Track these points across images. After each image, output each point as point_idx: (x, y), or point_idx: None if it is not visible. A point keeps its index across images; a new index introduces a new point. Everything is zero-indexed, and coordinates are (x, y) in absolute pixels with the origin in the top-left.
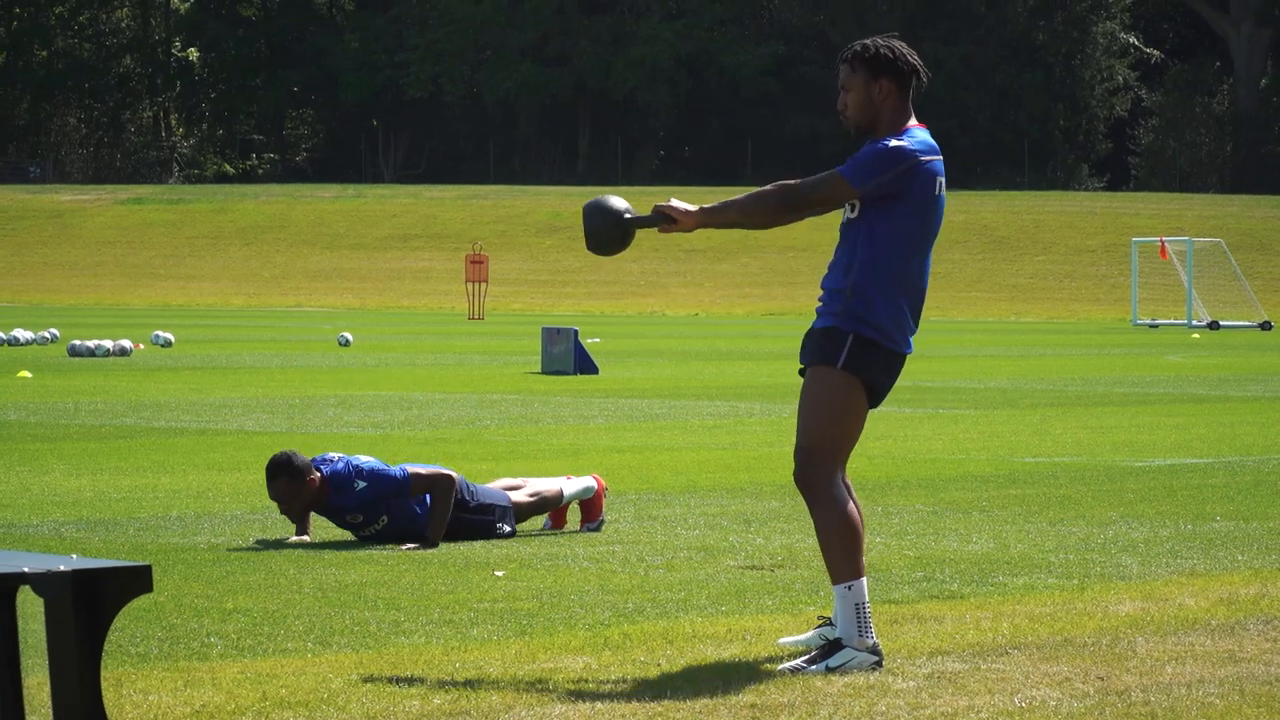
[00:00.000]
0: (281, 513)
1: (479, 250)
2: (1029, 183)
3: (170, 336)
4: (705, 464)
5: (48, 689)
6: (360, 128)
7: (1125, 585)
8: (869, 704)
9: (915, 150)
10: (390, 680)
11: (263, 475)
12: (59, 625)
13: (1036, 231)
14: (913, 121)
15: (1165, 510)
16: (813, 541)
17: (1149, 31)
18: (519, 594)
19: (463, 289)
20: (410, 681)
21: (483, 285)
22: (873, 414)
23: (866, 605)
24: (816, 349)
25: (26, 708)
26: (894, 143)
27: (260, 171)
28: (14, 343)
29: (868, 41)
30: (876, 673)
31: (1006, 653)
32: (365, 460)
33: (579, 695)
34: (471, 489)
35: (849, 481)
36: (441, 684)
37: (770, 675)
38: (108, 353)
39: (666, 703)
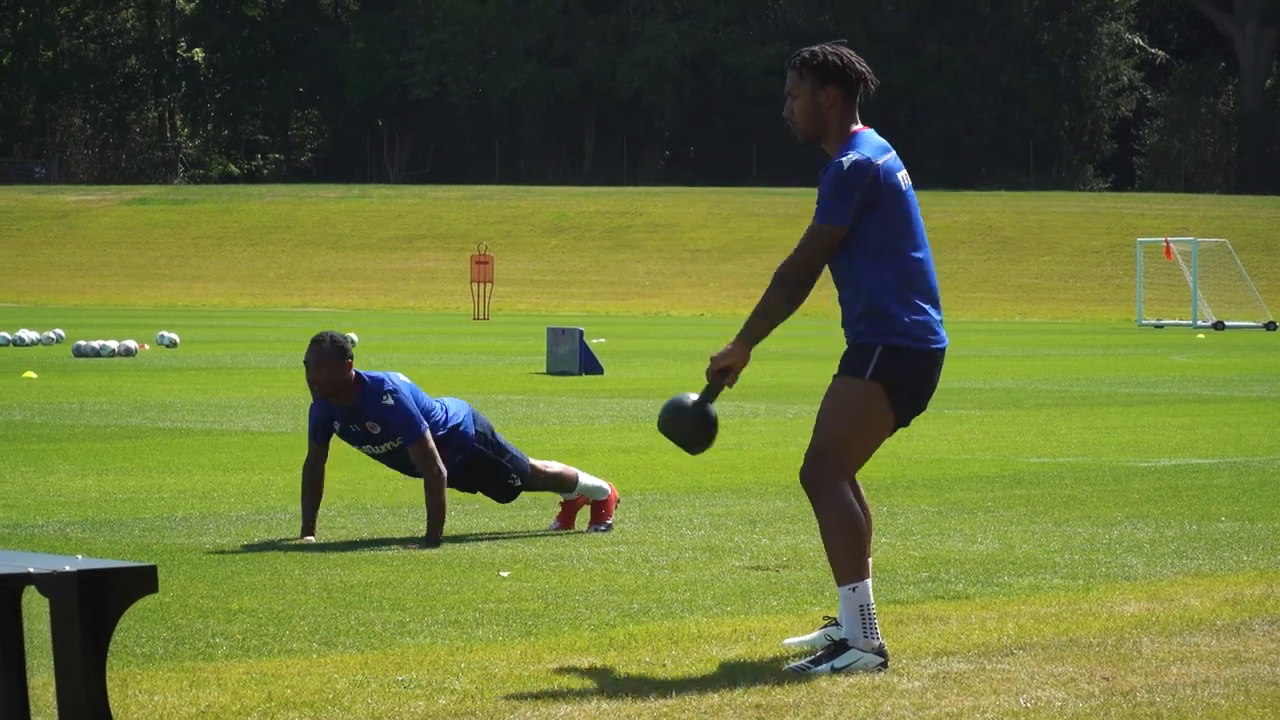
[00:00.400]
0: (310, 383)
1: (484, 250)
2: (1034, 183)
3: (175, 337)
4: (710, 464)
5: (53, 689)
6: (365, 128)
7: (1130, 586)
8: (874, 704)
9: (870, 159)
10: (395, 681)
11: (268, 474)
12: (64, 625)
13: (1041, 232)
14: (858, 126)
15: (1170, 511)
16: (818, 542)
17: (1154, 32)
18: (524, 594)
19: (468, 289)
20: (415, 682)
21: (488, 285)
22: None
23: (871, 606)
24: (847, 363)
25: (32, 708)
26: (848, 160)
27: (265, 172)
28: (19, 343)
29: (815, 48)
30: (882, 673)
31: (1012, 653)
32: (401, 381)
33: (584, 696)
34: (497, 436)
35: (858, 483)
36: (447, 684)
37: (776, 676)
38: (113, 353)
39: (672, 703)
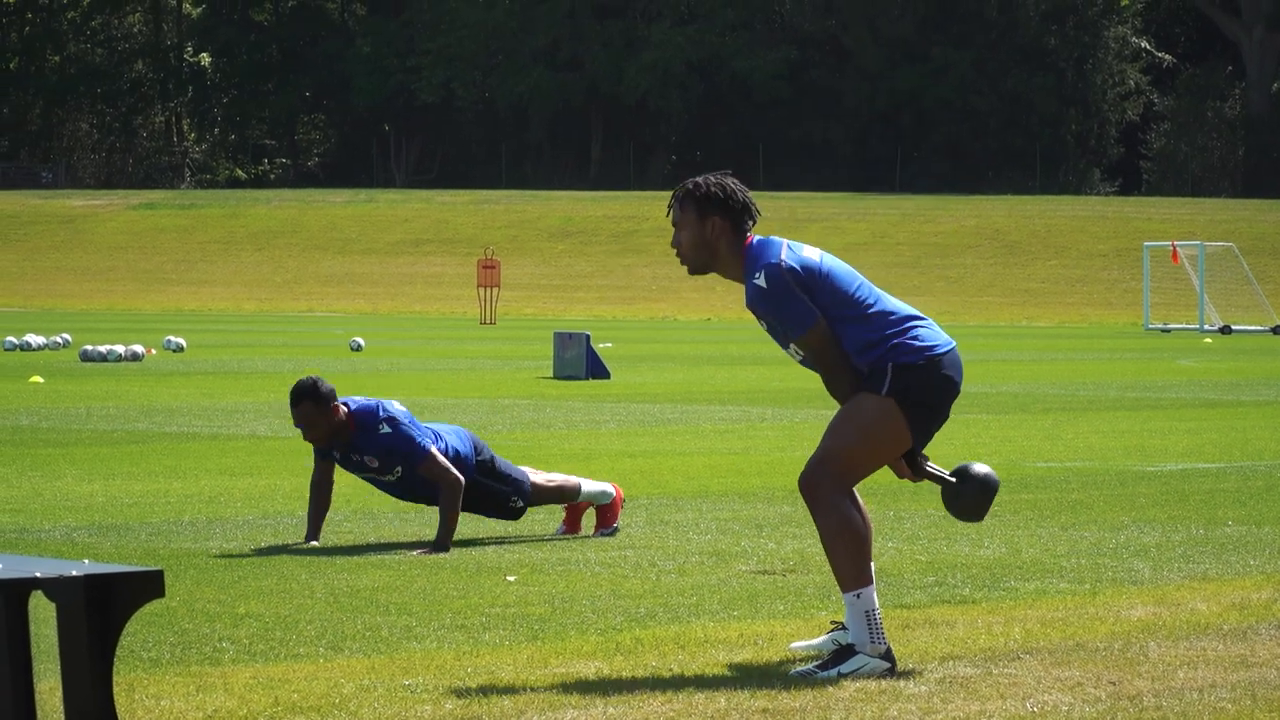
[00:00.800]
0: (305, 439)
1: (491, 255)
2: (1040, 187)
3: (182, 341)
4: (717, 469)
5: (60, 694)
6: (372, 132)
7: (1137, 590)
8: (881, 709)
9: (772, 260)
10: (402, 685)
11: (275, 479)
12: (71, 630)
13: (1048, 236)
14: (747, 239)
15: (1177, 515)
16: None
17: (1161, 36)
18: (531, 599)
19: (475, 294)
20: (422, 686)
21: (495, 290)
22: None
23: (877, 611)
24: (864, 382)
25: (39, 713)
26: (762, 279)
27: (272, 176)
28: (26, 348)
29: (699, 179)
30: (889, 678)
31: (1018, 658)
32: (396, 408)
33: (591, 700)
34: (495, 459)
35: (855, 492)
36: (453, 689)
37: (782, 680)
38: (120, 358)
39: (678, 707)
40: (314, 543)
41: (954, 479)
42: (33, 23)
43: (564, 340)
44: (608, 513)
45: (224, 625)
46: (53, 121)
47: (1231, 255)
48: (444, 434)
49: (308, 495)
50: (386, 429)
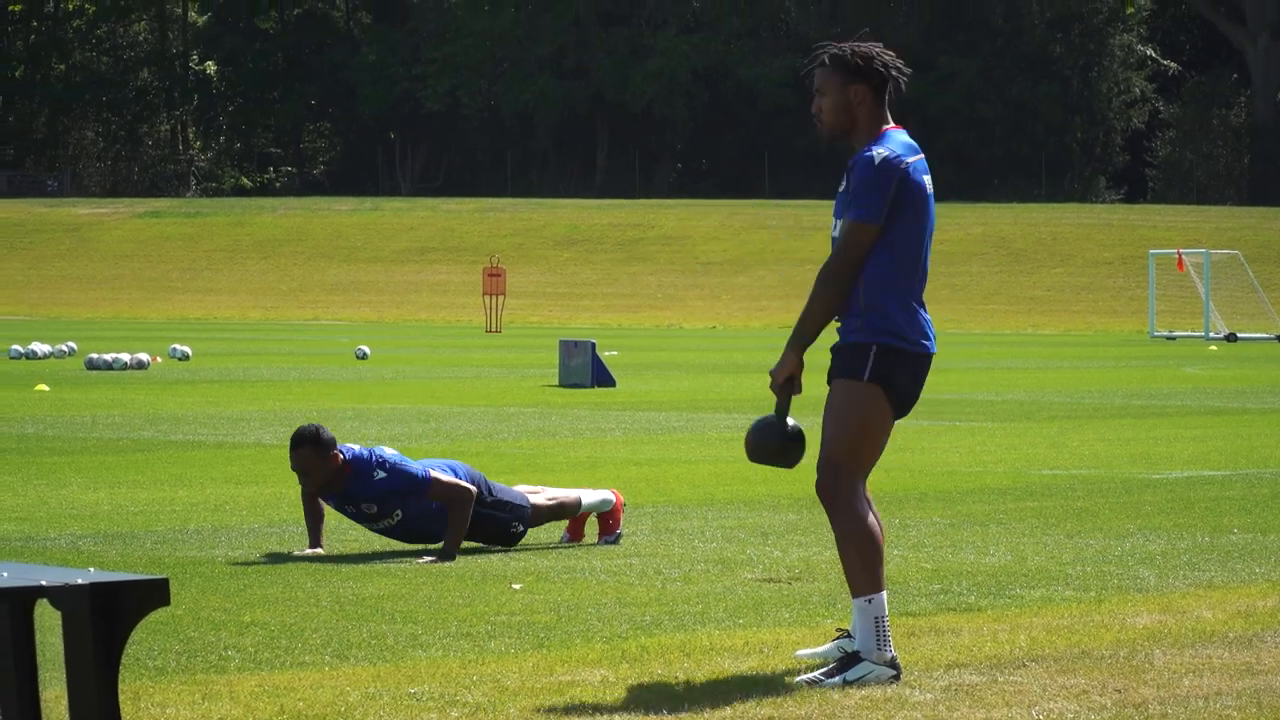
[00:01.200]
0: (300, 484)
1: (496, 263)
2: (1046, 195)
3: (188, 350)
4: (722, 477)
5: (65, 702)
6: (377, 141)
7: (1142, 597)
8: (886, 716)
9: (901, 156)
10: (408, 694)
11: (280, 487)
12: (77, 638)
13: (1053, 244)
14: (890, 125)
15: (1182, 522)
16: (830, 554)
17: (1166, 44)
18: (536, 607)
19: (480, 302)
20: (428, 695)
21: (500, 298)
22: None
23: (886, 619)
24: (842, 365)
25: None
26: (877, 156)
27: (277, 184)
28: (32, 356)
29: (844, 44)
30: (894, 685)
31: (1024, 665)
32: (388, 452)
33: (596, 708)
34: (490, 486)
35: (869, 495)
36: (459, 697)
37: (788, 688)
38: (125, 366)
39: (684, 715)
40: (318, 549)
41: (786, 427)
42: (38, 31)
43: (569, 348)
44: (610, 520)
45: (229, 633)
46: (58, 130)
47: (1237, 263)
48: (440, 469)
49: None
50: (381, 474)
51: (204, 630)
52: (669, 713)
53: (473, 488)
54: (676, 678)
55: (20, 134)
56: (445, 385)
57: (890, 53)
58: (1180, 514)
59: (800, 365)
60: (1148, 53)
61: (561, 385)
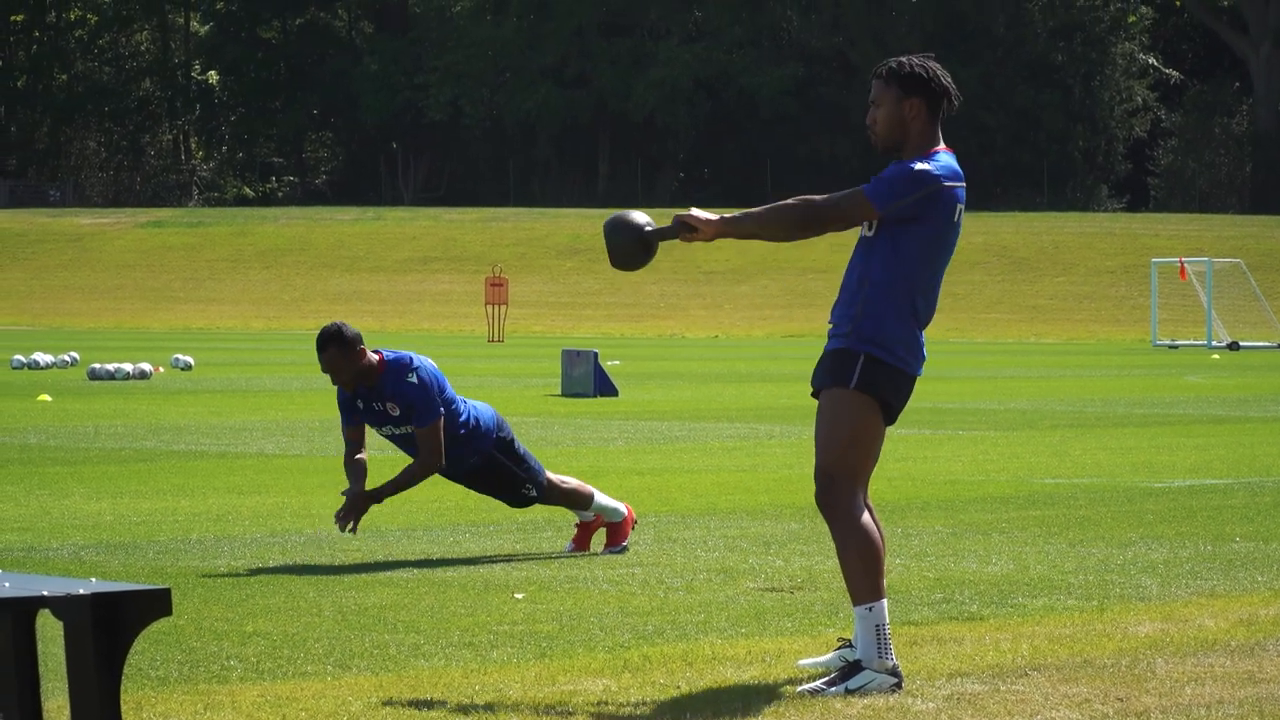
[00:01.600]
0: (333, 383)
1: (499, 273)
2: (1048, 203)
3: (190, 360)
4: (725, 486)
5: (68, 713)
6: (380, 150)
7: (1145, 606)
8: None
9: (939, 175)
10: (410, 703)
11: (283, 498)
12: (78, 648)
13: (1056, 252)
14: (940, 145)
15: (1185, 531)
16: (832, 563)
17: (1168, 52)
18: (538, 616)
19: (482, 311)
20: (430, 704)
21: (503, 308)
22: (892, 435)
23: (887, 627)
24: (828, 371)
25: None
26: (920, 166)
27: (280, 194)
28: (34, 366)
29: (904, 59)
30: (896, 694)
31: (1026, 674)
32: (430, 365)
33: (599, 718)
34: (516, 441)
35: (870, 503)
36: (461, 707)
37: (790, 697)
38: (128, 376)
39: None
40: (356, 490)
41: (644, 232)
42: (40, 41)
43: (572, 358)
44: (618, 531)
45: (231, 643)
46: (60, 140)
47: (1239, 271)
48: (471, 404)
49: (343, 472)
50: (414, 379)
51: (206, 640)
52: None
53: (442, 464)
54: (679, 687)
55: (22, 144)
56: None
57: (948, 74)
58: (1183, 523)
59: (710, 238)
60: (1150, 61)
61: (564, 395)
